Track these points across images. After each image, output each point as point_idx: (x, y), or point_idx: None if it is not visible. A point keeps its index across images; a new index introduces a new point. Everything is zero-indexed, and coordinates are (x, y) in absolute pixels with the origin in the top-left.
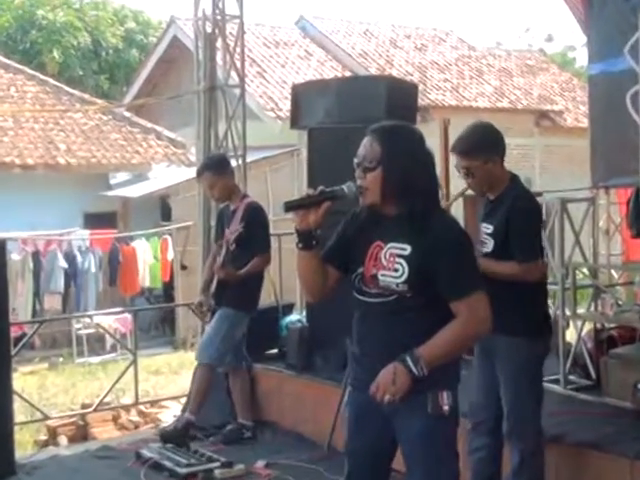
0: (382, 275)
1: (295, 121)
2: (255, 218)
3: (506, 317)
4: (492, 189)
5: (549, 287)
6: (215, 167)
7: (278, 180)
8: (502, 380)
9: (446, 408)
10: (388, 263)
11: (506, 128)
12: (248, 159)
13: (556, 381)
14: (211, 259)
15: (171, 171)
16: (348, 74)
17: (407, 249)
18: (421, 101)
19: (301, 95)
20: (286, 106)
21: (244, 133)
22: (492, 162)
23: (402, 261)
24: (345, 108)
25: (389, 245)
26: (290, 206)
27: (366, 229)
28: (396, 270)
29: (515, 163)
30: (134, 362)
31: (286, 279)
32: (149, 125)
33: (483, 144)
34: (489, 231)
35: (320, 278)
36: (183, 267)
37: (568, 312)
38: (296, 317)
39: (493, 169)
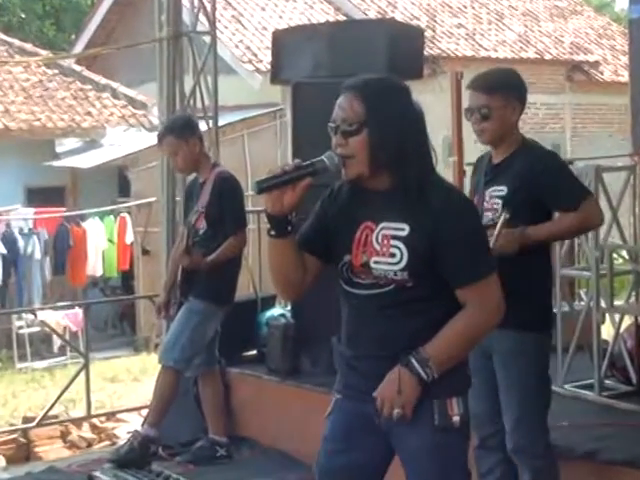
0: (375, 262)
1: (277, 75)
2: (226, 191)
3: (512, 308)
4: (501, 144)
5: (581, 273)
6: (179, 130)
7: (258, 146)
8: (505, 385)
9: (456, 419)
10: (382, 247)
11: (530, 83)
12: (221, 121)
13: (589, 387)
14: (178, 245)
15: (130, 136)
16: (342, 18)
17: (404, 229)
18: (429, 50)
19: (284, 43)
20: (267, 57)
21: (216, 90)
22: (512, 108)
23: (399, 244)
24: (338, 59)
25: (381, 225)
26: (263, 186)
27: (350, 208)
28: (392, 255)
29: (541, 125)
30: (86, 367)
31: (267, 266)
32: (103, 81)
33: (507, 82)
34: (502, 193)
35: (297, 271)
36: (145, 252)
37: (604, 304)
38: (279, 311)
39: (511, 117)
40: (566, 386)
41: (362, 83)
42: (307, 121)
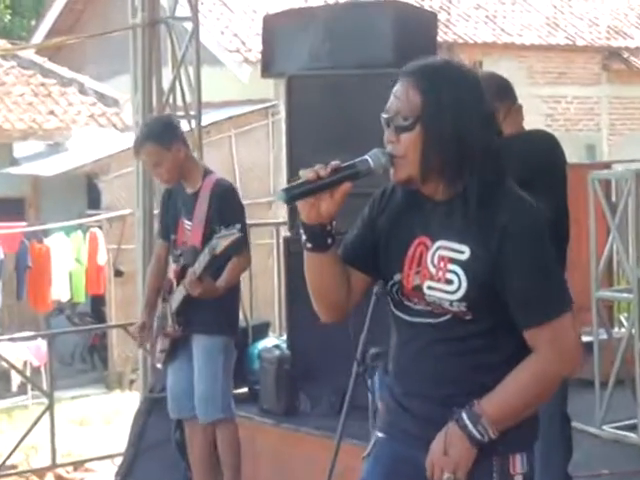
0: (429, 288)
1: (269, 66)
2: (228, 203)
3: None
4: None
5: (620, 295)
6: (158, 136)
7: (247, 149)
8: None
9: (519, 478)
10: (438, 271)
11: (560, 73)
12: (205, 120)
13: (632, 428)
14: (155, 263)
15: (99, 139)
16: (343, 0)
17: (464, 252)
18: (444, 36)
19: (277, 30)
20: (257, 45)
21: (199, 84)
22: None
23: (457, 269)
24: (337, 47)
25: (438, 244)
26: (293, 194)
27: (404, 217)
28: (449, 282)
29: (573, 122)
30: (50, 408)
31: (259, 288)
32: (68, 74)
33: (495, 87)
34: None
35: (340, 290)
36: (118, 273)
37: None
38: (273, 342)
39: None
40: (605, 427)
41: (422, 67)
42: (304, 119)
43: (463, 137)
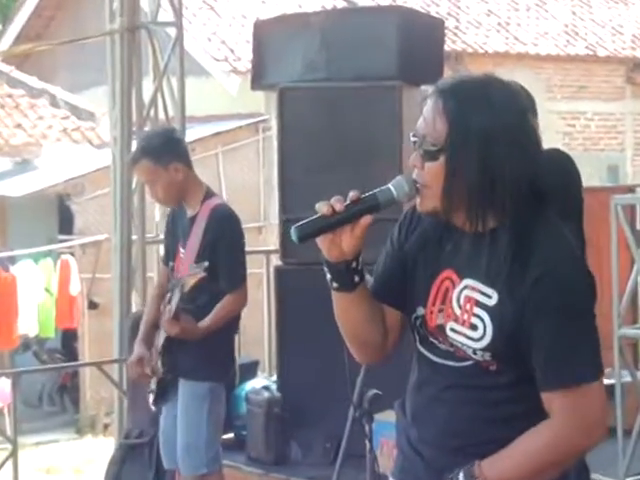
0: (452, 330)
1: (259, 77)
2: (224, 232)
3: None
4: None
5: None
6: (155, 153)
7: (236, 168)
8: None
9: None
10: (463, 313)
11: (580, 87)
12: (189, 136)
13: None
14: (156, 290)
15: (72, 156)
16: (341, 4)
17: (492, 296)
18: (452, 45)
19: (268, 38)
20: (247, 54)
21: (182, 96)
22: None
23: (484, 314)
24: (334, 57)
25: (465, 283)
26: (306, 232)
27: (432, 244)
28: (474, 327)
29: (594, 141)
30: (14, 455)
31: (247, 322)
32: (38, 84)
33: None
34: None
35: (375, 330)
36: (92, 305)
37: None
38: (261, 383)
39: None
40: (629, 479)
41: (453, 87)
42: (297, 136)
43: (492, 170)
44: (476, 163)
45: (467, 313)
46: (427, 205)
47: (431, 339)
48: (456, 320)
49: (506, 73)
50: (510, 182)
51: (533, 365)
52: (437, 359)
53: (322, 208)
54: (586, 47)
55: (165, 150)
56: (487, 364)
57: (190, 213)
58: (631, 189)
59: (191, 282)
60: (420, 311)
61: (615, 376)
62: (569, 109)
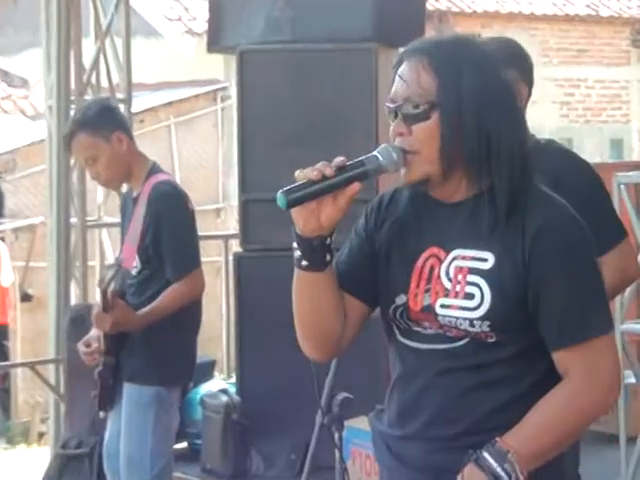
0: (443, 306)
1: (217, 39)
2: (165, 212)
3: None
4: None
5: None
6: (95, 123)
7: (191, 141)
8: None
9: None
10: (455, 285)
11: (579, 51)
12: (137, 105)
13: None
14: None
15: (3, 128)
16: None
17: (487, 259)
18: (435, 3)
19: None
20: (203, 13)
21: (129, 60)
22: (518, 91)
23: (479, 280)
24: (301, 16)
25: (454, 254)
26: (295, 197)
27: (410, 227)
28: (469, 296)
29: (595, 112)
30: None
31: (203, 317)
32: None
33: (504, 54)
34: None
35: (336, 320)
36: (26, 297)
37: None
38: (219, 385)
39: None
40: None
41: (432, 45)
42: (260, 105)
43: (487, 127)
44: (473, 120)
45: (460, 284)
46: (417, 173)
47: (415, 327)
48: (447, 295)
49: (495, 35)
50: (505, 140)
51: (543, 324)
52: (425, 345)
53: (310, 174)
54: (587, 6)
55: (104, 119)
56: (485, 336)
57: (134, 193)
58: (637, 166)
59: (109, 275)
60: (401, 299)
61: None
62: (567, 75)
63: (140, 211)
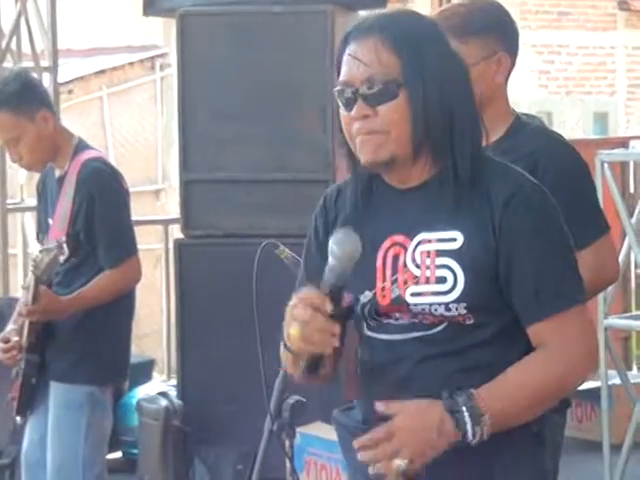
0: (414, 295)
1: (154, 0)
2: (100, 192)
3: None
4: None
5: (638, 323)
6: (16, 101)
7: (126, 113)
8: None
9: None
10: (424, 270)
11: (561, 14)
12: (65, 74)
13: None
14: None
15: None
16: None
17: (456, 238)
18: None
19: None
20: None
21: (54, 23)
22: (495, 61)
23: (450, 261)
24: None
25: (419, 238)
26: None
27: (365, 219)
28: (441, 280)
29: (578, 82)
30: None
31: (141, 310)
32: None
33: (485, 20)
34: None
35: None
36: None
37: None
38: (158, 387)
39: (494, 77)
40: None
41: (386, 22)
42: (202, 75)
43: (450, 101)
44: (436, 93)
45: (429, 268)
46: (385, 153)
47: (385, 320)
48: (417, 282)
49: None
50: (465, 113)
51: (517, 298)
52: (398, 336)
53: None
54: None
55: (27, 96)
56: (463, 318)
57: (58, 173)
58: (623, 142)
59: (46, 260)
60: (366, 296)
61: (601, 377)
62: (547, 41)
63: (68, 192)
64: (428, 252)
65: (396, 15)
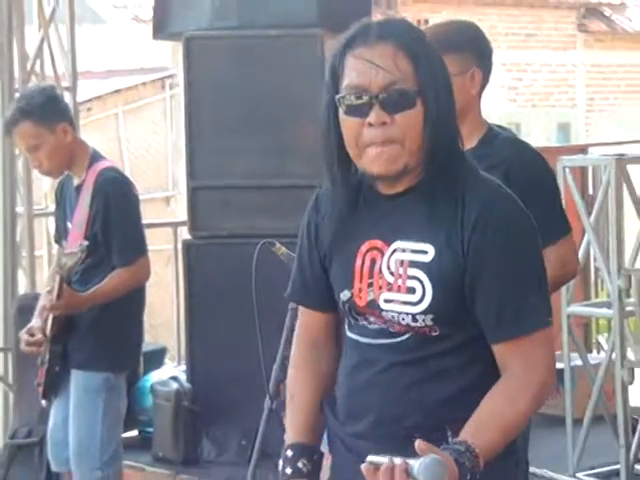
0: (386, 301)
1: (163, 25)
2: (113, 200)
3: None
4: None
5: (598, 311)
6: (40, 112)
7: (139, 128)
8: None
9: None
10: (396, 279)
11: (527, 36)
12: (84, 94)
13: (614, 474)
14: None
15: None
16: None
17: (427, 252)
18: None
19: None
20: (149, 0)
21: (73, 48)
22: (469, 76)
23: (420, 274)
24: (248, 2)
25: (395, 246)
26: None
27: (348, 222)
28: (411, 291)
29: (542, 96)
30: None
31: (153, 304)
32: None
33: (461, 38)
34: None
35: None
36: None
37: (632, 356)
38: (169, 372)
39: (470, 90)
40: (580, 475)
41: (401, 29)
42: (206, 92)
43: (444, 111)
44: (446, 105)
45: (401, 277)
46: (398, 164)
47: (361, 321)
48: (390, 289)
49: (443, 20)
50: (451, 124)
51: (481, 317)
52: (368, 340)
53: None
54: None
55: (49, 109)
56: (429, 330)
57: (76, 182)
58: (582, 149)
59: (70, 264)
60: (345, 295)
61: (564, 359)
62: (515, 60)
63: (85, 198)
64: (402, 261)
65: (402, 23)
